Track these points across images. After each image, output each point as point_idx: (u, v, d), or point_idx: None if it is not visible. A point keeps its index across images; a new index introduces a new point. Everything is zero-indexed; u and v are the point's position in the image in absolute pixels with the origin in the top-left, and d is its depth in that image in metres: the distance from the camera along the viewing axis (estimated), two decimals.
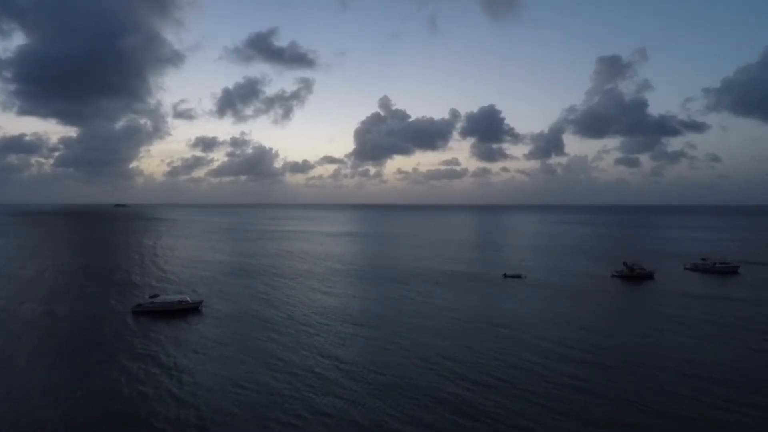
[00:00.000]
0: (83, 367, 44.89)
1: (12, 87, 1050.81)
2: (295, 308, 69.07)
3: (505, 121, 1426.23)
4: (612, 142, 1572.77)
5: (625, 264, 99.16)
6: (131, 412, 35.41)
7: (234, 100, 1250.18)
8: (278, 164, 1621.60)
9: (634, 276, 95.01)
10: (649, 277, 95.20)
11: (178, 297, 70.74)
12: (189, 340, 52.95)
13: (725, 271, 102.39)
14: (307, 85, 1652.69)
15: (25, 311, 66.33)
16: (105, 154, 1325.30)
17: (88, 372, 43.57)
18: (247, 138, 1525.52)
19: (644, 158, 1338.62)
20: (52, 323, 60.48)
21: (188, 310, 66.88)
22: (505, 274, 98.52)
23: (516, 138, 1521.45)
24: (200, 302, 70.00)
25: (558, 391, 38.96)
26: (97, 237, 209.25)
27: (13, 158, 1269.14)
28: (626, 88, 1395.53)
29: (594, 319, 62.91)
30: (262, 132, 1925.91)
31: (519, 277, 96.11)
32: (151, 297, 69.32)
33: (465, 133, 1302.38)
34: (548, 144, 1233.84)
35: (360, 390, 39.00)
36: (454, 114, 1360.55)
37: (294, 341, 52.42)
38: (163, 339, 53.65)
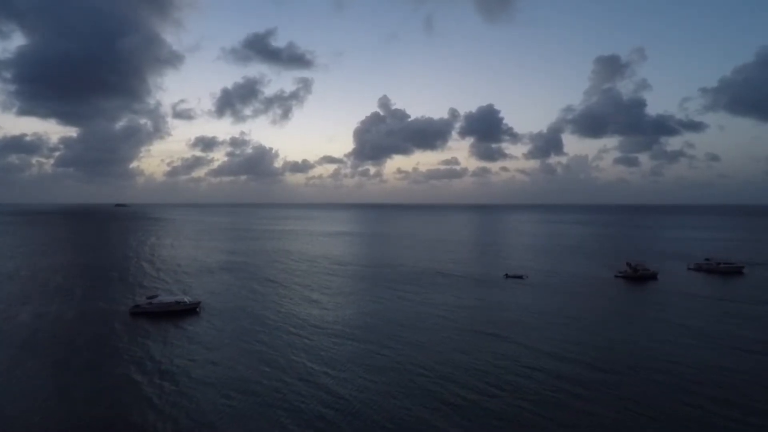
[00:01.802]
0: (69, 371, 43.86)
1: (12, 87, 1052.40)
2: (291, 311, 68.11)
3: (504, 121, 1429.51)
4: (611, 142, 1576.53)
5: (628, 264, 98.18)
6: (107, 421, 34.01)
7: (233, 101, 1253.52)
8: (278, 164, 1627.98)
9: (638, 277, 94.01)
10: (652, 277, 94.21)
11: (176, 298, 69.80)
12: (182, 345, 51.77)
13: (729, 271, 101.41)
14: (305, 85, 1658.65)
15: (20, 312, 65.27)
16: (105, 154, 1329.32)
17: (72, 376, 42.52)
18: (246, 138, 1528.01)
19: (643, 158, 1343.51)
20: (46, 324, 59.47)
21: (186, 312, 65.92)
22: (506, 275, 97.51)
23: (515, 138, 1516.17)
24: (198, 303, 69.03)
25: (560, 402, 37.93)
26: (97, 237, 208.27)
27: (13, 158, 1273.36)
28: (624, 87, 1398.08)
29: (599, 322, 61.96)
30: (262, 132, 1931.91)
31: (520, 277, 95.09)
32: (149, 298, 68.33)
33: (464, 133, 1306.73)
34: (547, 144, 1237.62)
35: (350, 399, 37.69)
36: (453, 114, 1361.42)
37: (286, 346, 51.19)
38: (156, 343, 52.58)
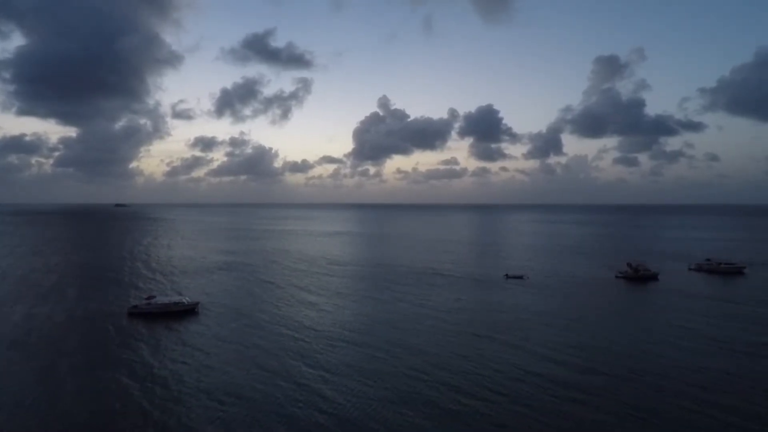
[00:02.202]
0: (62, 372, 43.37)
1: (11, 87, 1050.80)
2: (288, 313, 67.64)
3: (503, 121, 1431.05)
4: (611, 142, 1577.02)
5: (629, 265, 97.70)
6: (96, 427, 33.33)
7: (232, 101, 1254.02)
8: (278, 164, 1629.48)
9: (639, 277, 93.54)
10: (653, 278, 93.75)
11: (174, 298, 69.36)
12: (177, 348, 51.17)
13: (730, 271, 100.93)
14: (305, 85, 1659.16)
15: (16, 312, 64.67)
16: (105, 154, 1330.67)
17: (64, 378, 42.04)
18: (246, 138, 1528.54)
19: (643, 158, 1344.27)
20: (40, 325, 58.90)
21: (185, 312, 65.47)
22: (506, 275, 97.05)
23: (514, 138, 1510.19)
24: (196, 304, 68.55)
25: (560, 407, 37.40)
26: (96, 237, 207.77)
27: (13, 158, 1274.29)
28: (624, 87, 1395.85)
29: (599, 323, 61.45)
30: (261, 132, 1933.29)
31: (521, 278, 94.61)
32: (147, 298, 67.89)
33: (463, 133, 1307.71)
34: (546, 144, 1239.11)
35: (346, 404, 37.03)
36: (453, 114, 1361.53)
37: (282, 349, 50.55)
38: (152, 345, 52.03)
